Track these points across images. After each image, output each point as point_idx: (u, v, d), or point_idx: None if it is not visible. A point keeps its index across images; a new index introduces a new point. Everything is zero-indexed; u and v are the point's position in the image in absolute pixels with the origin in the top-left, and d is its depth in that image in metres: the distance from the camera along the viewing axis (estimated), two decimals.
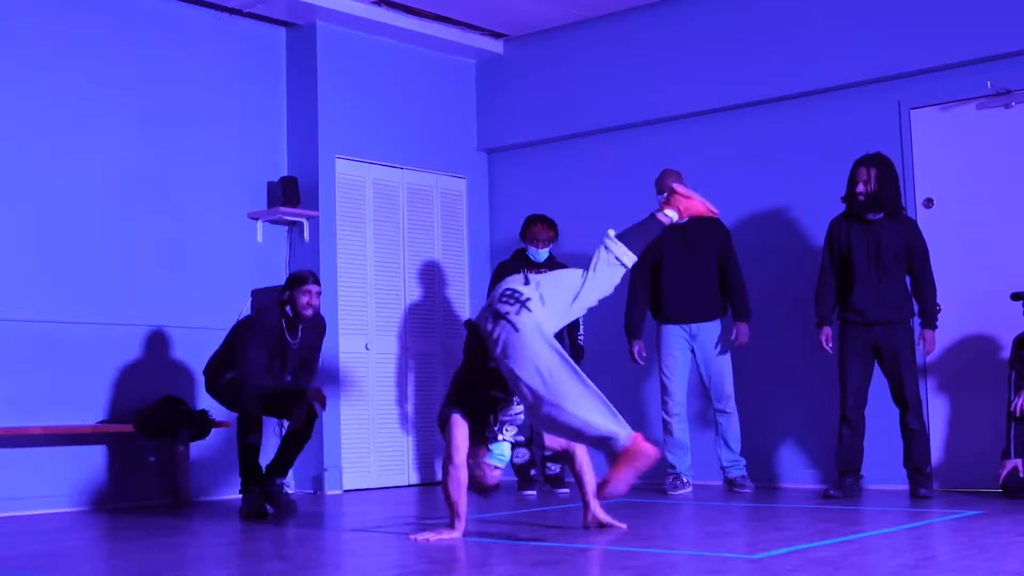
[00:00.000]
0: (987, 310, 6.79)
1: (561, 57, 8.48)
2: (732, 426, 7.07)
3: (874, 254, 6.46)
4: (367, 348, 8.02)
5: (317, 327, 6.57)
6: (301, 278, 6.36)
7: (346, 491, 7.71)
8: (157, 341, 7.19)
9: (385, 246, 8.23)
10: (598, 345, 7.76)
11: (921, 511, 5.75)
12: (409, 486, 8.14)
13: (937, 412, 6.92)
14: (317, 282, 6.39)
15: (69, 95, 6.96)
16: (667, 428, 7.10)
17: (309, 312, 6.35)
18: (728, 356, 7.08)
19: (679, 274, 7.05)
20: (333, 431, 7.71)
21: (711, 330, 7.07)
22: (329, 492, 7.61)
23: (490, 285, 7.39)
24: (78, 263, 6.91)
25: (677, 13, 7.96)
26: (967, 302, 6.86)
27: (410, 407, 8.25)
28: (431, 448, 8.31)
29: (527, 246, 7.35)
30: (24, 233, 6.73)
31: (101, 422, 6.85)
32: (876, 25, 7.14)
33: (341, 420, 7.79)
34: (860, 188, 6.45)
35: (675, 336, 7.09)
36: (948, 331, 6.89)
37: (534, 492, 7.28)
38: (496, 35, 8.69)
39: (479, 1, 8.02)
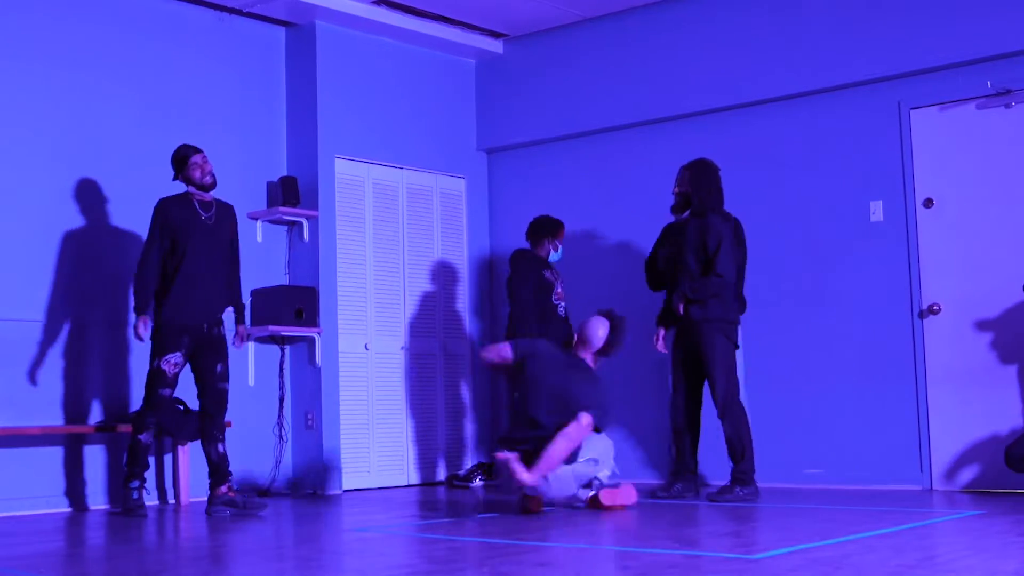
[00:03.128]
0: (986, 310, 6.79)
1: (561, 57, 8.48)
2: None
3: (678, 253, 6.66)
4: (367, 348, 8.02)
5: (231, 216, 6.60)
6: (183, 155, 6.40)
7: (346, 491, 7.71)
8: None
9: (385, 246, 8.22)
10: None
11: (921, 511, 5.75)
12: (409, 486, 8.13)
13: (937, 412, 6.92)
14: (198, 150, 6.45)
15: (68, 94, 6.96)
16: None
17: (209, 179, 6.42)
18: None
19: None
20: (333, 431, 7.71)
21: None
22: (329, 492, 7.61)
23: (524, 289, 7.29)
24: (77, 263, 6.91)
25: (677, 13, 7.96)
26: (966, 302, 6.86)
27: (409, 407, 8.24)
28: (431, 448, 8.31)
29: (549, 247, 7.49)
30: (23, 233, 6.73)
31: (100, 422, 6.85)
32: (876, 25, 7.13)
33: (341, 420, 7.79)
34: (677, 189, 6.69)
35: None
36: (948, 331, 6.89)
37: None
38: (496, 35, 8.69)
39: (479, 1, 8.01)
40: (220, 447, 6.43)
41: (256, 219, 7.77)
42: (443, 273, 8.56)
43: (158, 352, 6.32)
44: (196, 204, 6.42)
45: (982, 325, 6.81)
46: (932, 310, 6.95)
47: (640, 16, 8.10)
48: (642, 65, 8.08)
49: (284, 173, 7.95)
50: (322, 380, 7.70)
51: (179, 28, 7.50)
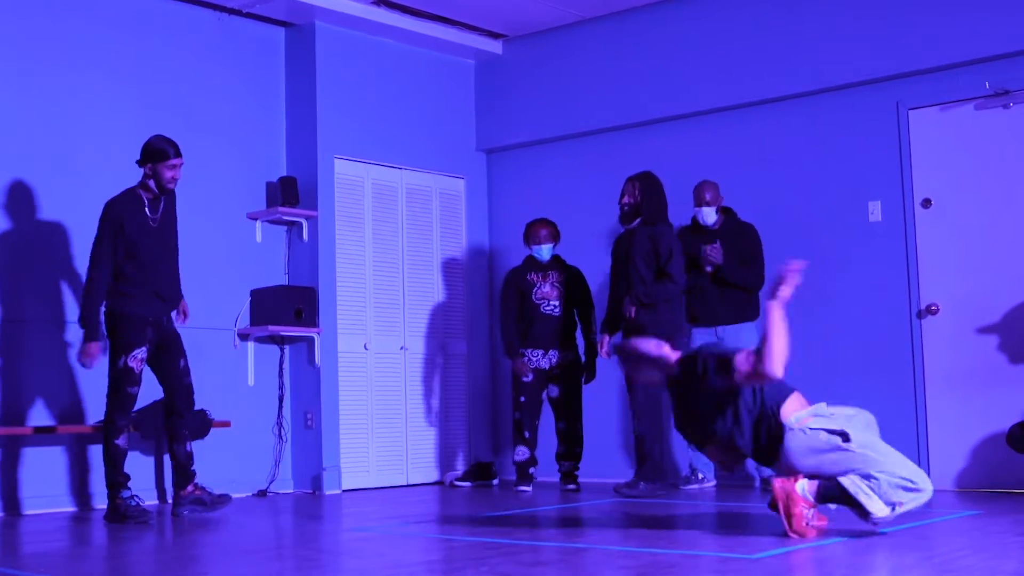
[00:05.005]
0: (985, 310, 6.79)
1: (560, 57, 8.48)
2: None
3: (627, 260, 6.78)
4: (366, 348, 8.02)
5: (173, 202, 6.27)
6: (163, 151, 6.07)
7: (345, 491, 7.71)
8: None
9: (384, 246, 8.23)
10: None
11: (921, 511, 5.74)
12: (408, 486, 8.13)
13: (936, 412, 6.92)
14: (179, 154, 6.12)
15: (68, 94, 6.96)
16: None
17: (173, 187, 6.13)
18: None
19: (706, 277, 7.15)
20: (332, 431, 7.71)
21: (737, 332, 7.05)
22: (328, 492, 7.61)
23: (502, 295, 7.61)
24: (75, 263, 6.91)
25: (676, 13, 7.96)
26: (965, 302, 6.86)
27: (409, 407, 8.25)
28: (430, 448, 8.32)
29: (531, 248, 7.60)
30: (23, 234, 6.73)
31: (101, 422, 6.83)
32: (876, 25, 7.14)
33: (340, 420, 7.80)
34: (626, 200, 6.83)
35: (703, 339, 7.10)
36: (946, 331, 6.90)
37: (529, 489, 7.33)
38: (495, 35, 8.69)
39: (478, 1, 8.02)
40: (188, 446, 6.23)
41: (255, 219, 7.77)
42: (442, 273, 8.56)
43: (123, 349, 5.96)
44: (145, 201, 6.11)
45: (981, 325, 6.82)
46: (930, 310, 6.95)
47: (639, 16, 8.11)
48: (641, 65, 8.08)
49: (283, 173, 7.95)
50: (322, 380, 7.70)
51: (178, 28, 7.50)
